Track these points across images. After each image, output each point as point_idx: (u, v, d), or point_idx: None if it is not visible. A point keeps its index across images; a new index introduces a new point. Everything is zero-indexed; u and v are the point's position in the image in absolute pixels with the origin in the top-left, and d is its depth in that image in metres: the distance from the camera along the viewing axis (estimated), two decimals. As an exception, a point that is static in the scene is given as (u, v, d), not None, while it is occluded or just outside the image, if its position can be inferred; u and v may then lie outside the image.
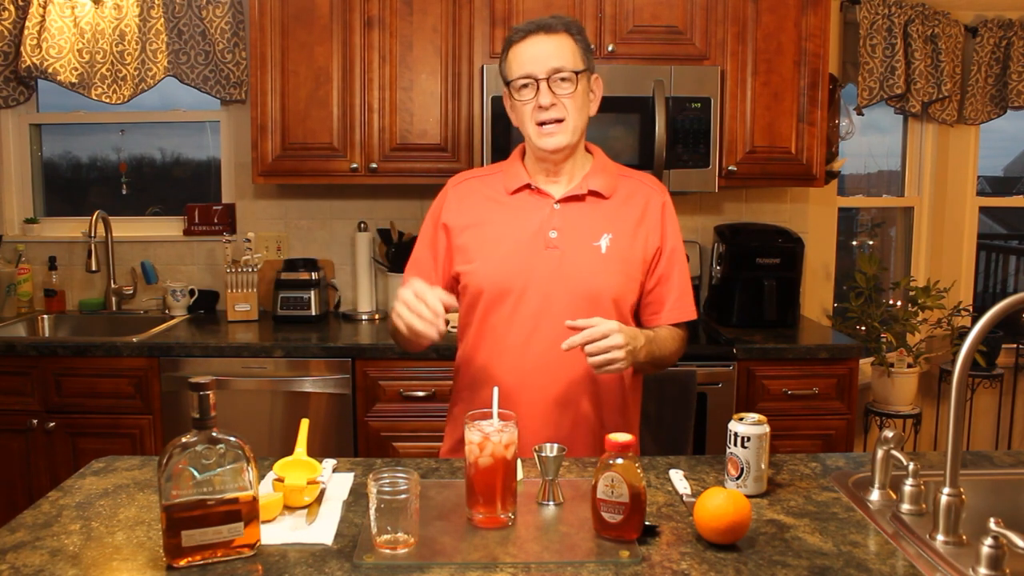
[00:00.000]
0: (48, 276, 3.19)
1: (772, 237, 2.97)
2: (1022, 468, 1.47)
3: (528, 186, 1.64)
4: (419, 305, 1.40)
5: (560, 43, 1.56)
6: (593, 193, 1.63)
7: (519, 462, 1.33)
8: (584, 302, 1.58)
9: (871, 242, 3.85)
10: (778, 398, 2.61)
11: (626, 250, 1.62)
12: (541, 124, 1.57)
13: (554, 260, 1.59)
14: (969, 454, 1.54)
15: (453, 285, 1.69)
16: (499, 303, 1.60)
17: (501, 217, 1.64)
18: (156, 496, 1.31)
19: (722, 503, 1.15)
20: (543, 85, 1.55)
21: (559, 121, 1.56)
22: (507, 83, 1.62)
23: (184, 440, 1.08)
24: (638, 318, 1.72)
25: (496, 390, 1.31)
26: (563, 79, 1.55)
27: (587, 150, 1.70)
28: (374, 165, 2.82)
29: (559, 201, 1.62)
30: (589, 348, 1.42)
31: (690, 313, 1.71)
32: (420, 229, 1.75)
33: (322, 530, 1.20)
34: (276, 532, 1.19)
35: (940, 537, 1.14)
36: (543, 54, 1.55)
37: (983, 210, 3.73)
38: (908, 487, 1.25)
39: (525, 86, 1.57)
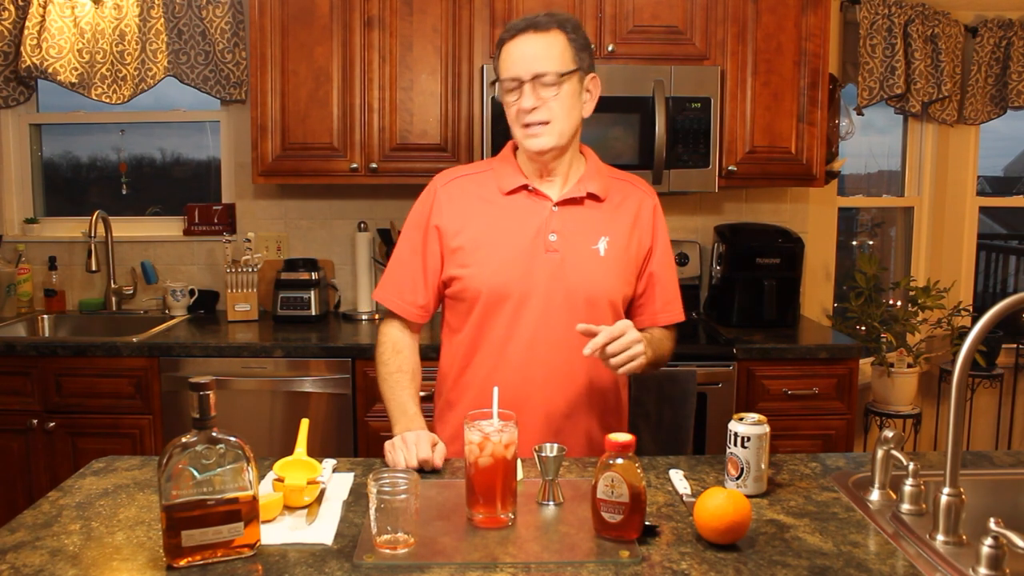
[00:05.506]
0: (48, 276, 3.19)
1: (772, 237, 2.97)
2: (1022, 468, 1.47)
3: (526, 187, 1.61)
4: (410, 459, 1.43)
5: (550, 43, 1.52)
6: (591, 196, 1.61)
7: (519, 462, 1.33)
8: (583, 306, 1.57)
9: (871, 242, 3.85)
10: (778, 398, 2.61)
11: (622, 253, 1.61)
12: (525, 126, 1.54)
13: (554, 264, 1.57)
14: (969, 454, 1.54)
15: (442, 289, 1.66)
16: (498, 307, 1.57)
17: (497, 218, 1.60)
18: (156, 496, 1.31)
19: (722, 503, 1.15)
20: (527, 88, 1.52)
21: (544, 123, 1.53)
22: (495, 82, 1.60)
23: (184, 440, 1.08)
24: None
25: (496, 390, 1.31)
26: (547, 83, 1.51)
27: (580, 152, 1.67)
28: (374, 165, 2.82)
29: (557, 203, 1.60)
30: (612, 348, 1.41)
31: (679, 315, 1.71)
32: (403, 229, 1.70)
33: (322, 530, 1.20)
34: (276, 532, 1.19)
35: (940, 537, 1.14)
36: (529, 55, 1.52)
37: (983, 210, 3.73)
38: (908, 487, 1.25)
39: (512, 88, 1.54)
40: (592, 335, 1.42)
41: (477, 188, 1.64)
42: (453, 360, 1.67)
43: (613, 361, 1.43)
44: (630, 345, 1.42)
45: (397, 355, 1.66)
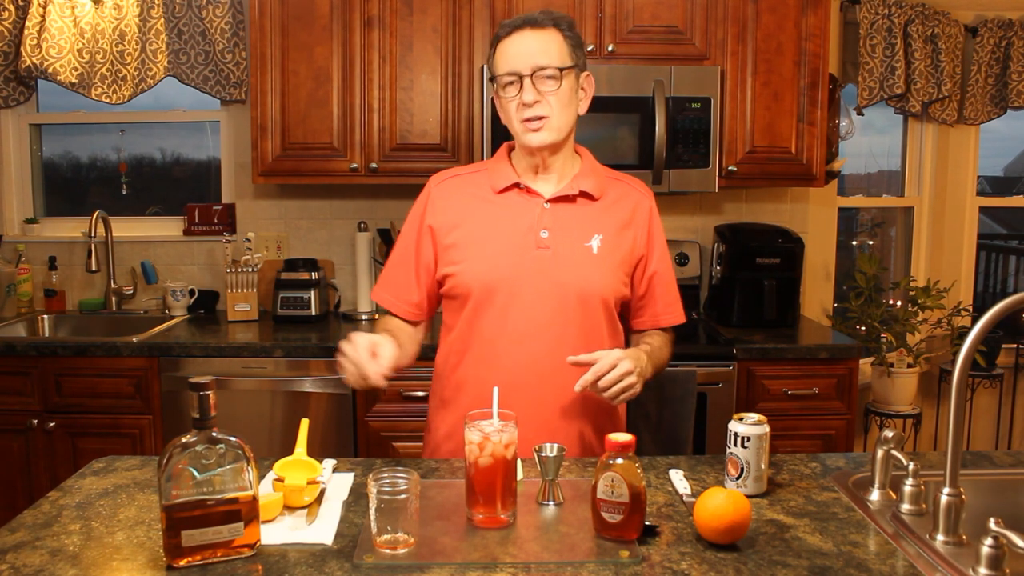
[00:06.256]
0: (48, 276, 3.19)
1: (772, 237, 2.97)
2: (1022, 468, 1.47)
3: (517, 185, 1.62)
4: (357, 365, 1.40)
5: (547, 39, 1.54)
6: (584, 194, 1.62)
7: (519, 462, 1.33)
8: (575, 303, 1.57)
9: (871, 242, 3.85)
10: (778, 398, 2.61)
11: (615, 252, 1.61)
12: (526, 120, 1.55)
13: (545, 260, 1.57)
14: (969, 454, 1.54)
15: (436, 288, 1.67)
16: (488, 303, 1.57)
17: (489, 216, 1.61)
18: (156, 496, 1.31)
19: (722, 503, 1.15)
20: (527, 82, 1.53)
21: (543, 118, 1.54)
22: (493, 79, 1.60)
23: (184, 440, 1.08)
24: (626, 321, 1.72)
25: (496, 390, 1.31)
26: (548, 76, 1.52)
27: (576, 152, 1.67)
28: (374, 165, 2.83)
29: (549, 200, 1.60)
30: (603, 383, 1.43)
31: (680, 317, 1.72)
32: (402, 229, 1.71)
33: (322, 530, 1.20)
34: (276, 532, 1.19)
35: (940, 537, 1.14)
36: (528, 50, 1.53)
37: (983, 210, 3.73)
38: (908, 487, 1.25)
39: (510, 83, 1.54)
40: (582, 366, 1.44)
41: (470, 187, 1.65)
42: (447, 358, 1.67)
43: (606, 395, 1.45)
44: (622, 377, 1.44)
45: (380, 322, 1.71)
